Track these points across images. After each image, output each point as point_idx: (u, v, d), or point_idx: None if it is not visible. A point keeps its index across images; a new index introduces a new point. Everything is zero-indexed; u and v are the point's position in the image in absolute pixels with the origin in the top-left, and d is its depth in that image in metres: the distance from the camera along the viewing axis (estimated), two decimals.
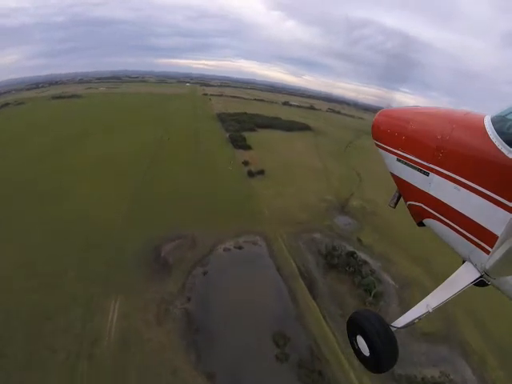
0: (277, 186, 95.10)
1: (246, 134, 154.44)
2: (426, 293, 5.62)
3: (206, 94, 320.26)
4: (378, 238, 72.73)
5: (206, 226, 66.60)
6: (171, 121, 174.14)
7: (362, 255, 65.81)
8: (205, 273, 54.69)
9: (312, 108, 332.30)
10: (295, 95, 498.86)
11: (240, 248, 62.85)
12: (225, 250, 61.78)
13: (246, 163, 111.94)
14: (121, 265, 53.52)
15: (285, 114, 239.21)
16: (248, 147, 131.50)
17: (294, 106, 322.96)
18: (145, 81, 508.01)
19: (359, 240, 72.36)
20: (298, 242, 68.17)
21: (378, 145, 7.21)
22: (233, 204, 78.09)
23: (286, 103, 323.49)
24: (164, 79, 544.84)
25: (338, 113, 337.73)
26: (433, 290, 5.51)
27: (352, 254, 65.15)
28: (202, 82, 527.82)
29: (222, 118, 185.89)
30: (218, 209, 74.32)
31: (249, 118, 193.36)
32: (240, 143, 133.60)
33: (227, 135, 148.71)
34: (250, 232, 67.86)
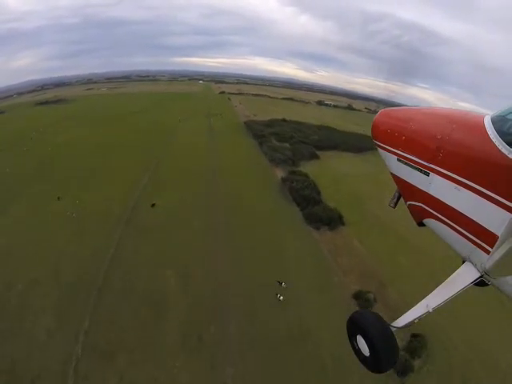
0: None
1: (307, 167, 78.76)
2: None
3: (223, 93, 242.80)
4: None
5: None
6: (172, 141, 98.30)
7: None
8: None
9: (350, 108, 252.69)
10: (314, 91, 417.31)
11: None
12: None
13: (369, 302, 36.24)
14: None
15: (332, 120, 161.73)
16: (337, 220, 54.41)
17: (330, 105, 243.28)
18: (156, 80, 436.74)
19: None
20: None
21: (378, 145, 6.44)
22: None
23: (320, 103, 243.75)
24: (176, 77, 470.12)
25: None
26: None
27: None
28: (216, 79, 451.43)
29: (255, 131, 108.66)
30: None
31: (294, 129, 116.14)
32: (315, 209, 56.14)
33: (279, 177, 71.42)
34: None
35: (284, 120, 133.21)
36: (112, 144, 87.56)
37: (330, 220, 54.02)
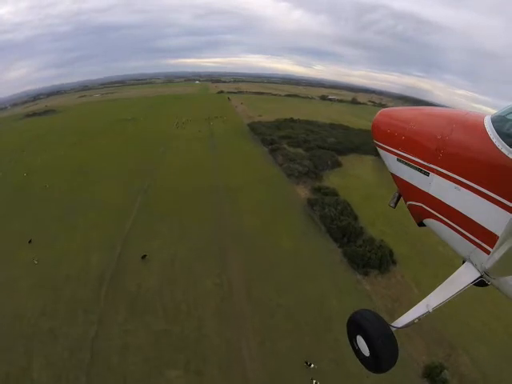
0: None
1: (331, 178, 64.36)
2: None
3: (221, 92, 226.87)
4: None
5: None
6: (167, 152, 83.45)
7: None
8: None
9: (355, 102, 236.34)
10: (313, 86, 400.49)
11: None
12: None
13: None
14: None
15: (341, 116, 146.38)
16: (388, 259, 40.23)
17: (334, 100, 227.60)
18: (151, 83, 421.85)
19: None
20: None
21: (378, 145, 6.29)
22: None
23: (324, 98, 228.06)
24: (172, 79, 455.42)
25: (385, 106, 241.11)
26: None
27: None
28: (213, 79, 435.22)
29: (263, 136, 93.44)
30: None
31: (306, 130, 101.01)
32: (360, 247, 41.73)
33: (302, 197, 55.44)
34: None
35: (292, 120, 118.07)
36: (96, 164, 72.79)
37: (381, 261, 39.67)
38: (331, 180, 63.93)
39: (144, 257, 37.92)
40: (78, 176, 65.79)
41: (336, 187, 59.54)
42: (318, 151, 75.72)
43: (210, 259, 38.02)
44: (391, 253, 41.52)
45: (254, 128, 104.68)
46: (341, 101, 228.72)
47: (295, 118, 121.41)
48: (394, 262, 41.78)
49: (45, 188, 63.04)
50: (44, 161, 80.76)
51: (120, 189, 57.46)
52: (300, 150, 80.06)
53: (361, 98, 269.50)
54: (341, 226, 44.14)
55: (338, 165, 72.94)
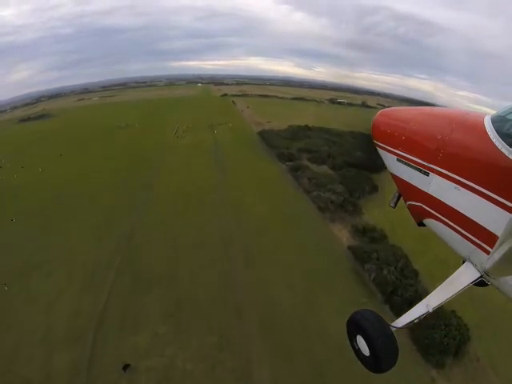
0: None
1: (369, 209, 50.36)
2: None
3: (225, 95, 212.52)
4: None
5: None
6: (162, 172, 69.12)
7: None
8: None
9: (366, 105, 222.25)
10: (316, 88, 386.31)
11: None
12: None
13: None
14: None
15: (359, 122, 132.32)
16: (466, 339, 28.26)
17: (344, 103, 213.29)
18: (153, 85, 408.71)
19: None
20: None
21: (378, 145, 6.17)
22: None
23: (333, 101, 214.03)
24: (173, 82, 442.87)
25: None
26: None
27: None
28: (215, 81, 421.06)
29: (278, 148, 78.95)
30: None
31: (326, 140, 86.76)
32: (435, 332, 27.70)
33: (343, 243, 39.99)
34: None
35: (308, 127, 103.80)
36: (75, 191, 58.35)
37: (460, 344, 26.99)
38: (372, 213, 49.74)
39: (126, 367, 23.74)
40: (50, 206, 51.82)
41: (380, 224, 45.44)
42: (349, 171, 61.48)
43: (227, 369, 23.97)
44: (467, 327, 28.67)
45: (266, 138, 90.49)
46: (350, 104, 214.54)
47: (309, 123, 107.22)
48: (469, 338, 29.06)
49: (11, 222, 49.33)
50: (20, 181, 67.03)
51: (95, 234, 43.02)
52: (326, 169, 65.91)
53: (371, 101, 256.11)
54: (407, 298, 30.24)
55: (375, 189, 58.76)
